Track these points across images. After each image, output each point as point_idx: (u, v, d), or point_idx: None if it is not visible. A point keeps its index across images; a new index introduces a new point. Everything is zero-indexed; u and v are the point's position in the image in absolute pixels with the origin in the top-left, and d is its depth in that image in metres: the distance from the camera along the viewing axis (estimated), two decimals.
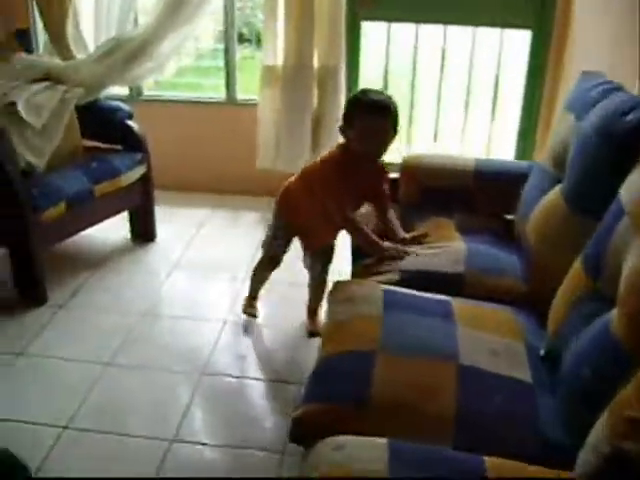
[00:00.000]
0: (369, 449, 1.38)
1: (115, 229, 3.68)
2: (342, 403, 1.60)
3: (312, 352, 2.28)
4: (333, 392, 1.64)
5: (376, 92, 2.49)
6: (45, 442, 2.23)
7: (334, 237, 2.73)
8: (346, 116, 2.44)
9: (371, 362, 1.67)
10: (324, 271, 2.76)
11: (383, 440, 1.40)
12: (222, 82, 4.24)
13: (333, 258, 2.77)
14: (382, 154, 2.47)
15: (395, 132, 2.43)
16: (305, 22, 3.68)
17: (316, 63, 3.81)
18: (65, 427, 2.30)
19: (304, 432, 1.58)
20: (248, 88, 4.39)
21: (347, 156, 2.46)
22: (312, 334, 2.79)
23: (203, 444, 2.24)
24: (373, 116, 2.36)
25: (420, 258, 2.29)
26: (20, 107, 3.05)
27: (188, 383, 2.54)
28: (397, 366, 1.67)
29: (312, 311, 2.87)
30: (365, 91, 2.48)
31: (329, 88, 3.85)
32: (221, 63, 4.26)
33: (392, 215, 2.58)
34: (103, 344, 2.77)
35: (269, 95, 3.91)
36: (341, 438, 1.44)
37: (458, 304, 1.98)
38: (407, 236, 2.49)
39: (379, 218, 2.58)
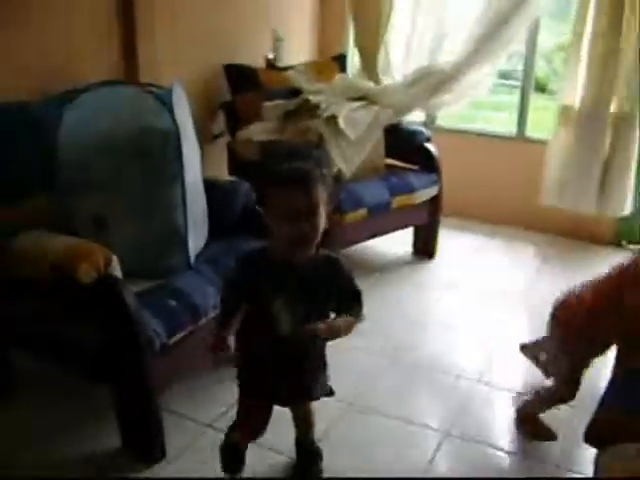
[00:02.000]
0: None
1: (399, 242, 3.96)
2: None
3: None
4: (632, 402, 1.70)
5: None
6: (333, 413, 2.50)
7: None
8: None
9: None
10: None
11: None
12: (506, 117, 4.39)
13: None
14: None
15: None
16: (609, 68, 3.72)
17: (612, 108, 3.82)
18: (351, 403, 2.56)
19: (600, 434, 1.66)
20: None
21: None
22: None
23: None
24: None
25: None
26: (340, 120, 3.42)
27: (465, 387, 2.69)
28: None
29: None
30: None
31: (623, 134, 3.85)
32: (507, 99, 4.41)
33: None
34: (378, 343, 3.01)
35: (562, 133, 3.98)
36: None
37: None
38: None
39: None
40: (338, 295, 1.76)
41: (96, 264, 2.02)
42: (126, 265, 2.14)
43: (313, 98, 3.54)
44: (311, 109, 3.51)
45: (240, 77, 3.73)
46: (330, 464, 2.21)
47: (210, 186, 2.60)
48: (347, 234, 3.36)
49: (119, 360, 2.12)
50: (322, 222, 1.65)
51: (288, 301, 1.70)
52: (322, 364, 1.92)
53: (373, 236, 3.60)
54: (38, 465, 2.22)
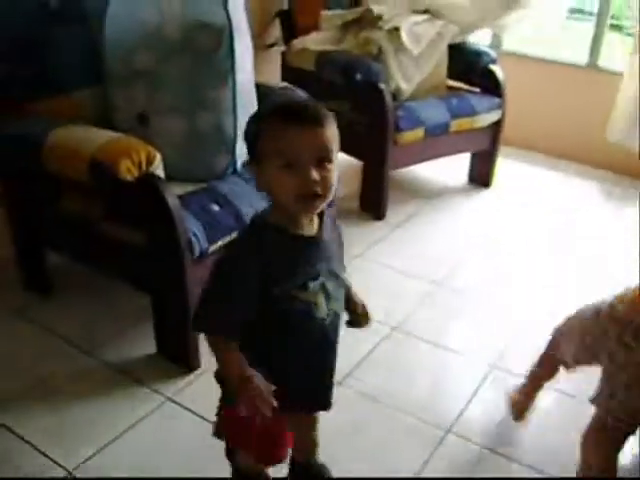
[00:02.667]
0: None
1: (455, 168, 3.79)
2: None
3: None
4: None
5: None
6: (372, 338, 2.41)
7: None
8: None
9: None
10: None
11: None
12: (577, 47, 4.11)
13: None
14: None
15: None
16: None
17: None
18: (394, 328, 2.46)
19: None
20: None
21: None
22: None
23: None
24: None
25: None
26: (403, 33, 3.21)
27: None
28: None
29: None
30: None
31: None
32: (580, 30, 4.13)
33: None
34: (431, 266, 2.90)
35: (637, 64, 3.70)
36: None
37: None
38: None
39: None
40: None
41: (138, 161, 1.92)
42: (169, 166, 2.04)
43: (376, 8, 3.32)
44: (372, 20, 3.31)
45: None
46: (367, 384, 2.16)
47: (262, 91, 2.46)
48: (402, 155, 3.20)
49: (158, 263, 2.03)
50: (336, 173, 1.25)
51: (322, 280, 1.33)
52: None
53: (429, 159, 3.42)
54: (71, 370, 2.19)
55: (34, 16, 2.19)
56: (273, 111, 1.23)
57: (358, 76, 3.03)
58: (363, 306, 1.54)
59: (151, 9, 2.17)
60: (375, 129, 3.10)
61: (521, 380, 2.06)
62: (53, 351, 2.25)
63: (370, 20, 3.32)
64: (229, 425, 1.47)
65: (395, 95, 3.22)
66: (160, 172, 1.98)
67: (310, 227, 1.31)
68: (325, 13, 3.45)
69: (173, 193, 1.96)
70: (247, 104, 2.30)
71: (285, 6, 3.57)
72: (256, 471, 1.59)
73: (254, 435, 1.41)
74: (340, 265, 1.41)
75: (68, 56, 2.27)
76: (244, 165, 2.29)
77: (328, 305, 1.34)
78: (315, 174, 1.20)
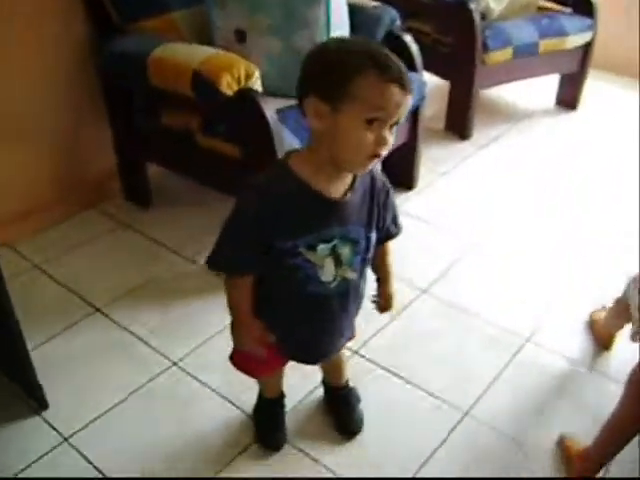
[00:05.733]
0: None
1: (542, 90, 3.76)
2: None
3: None
4: None
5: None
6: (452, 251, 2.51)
7: None
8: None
9: None
10: None
11: None
12: None
13: None
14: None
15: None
16: None
17: None
18: (475, 244, 2.54)
19: None
20: None
21: None
22: None
23: None
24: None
25: None
26: None
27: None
28: None
29: None
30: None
31: None
32: None
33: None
34: (517, 186, 2.95)
35: None
36: None
37: None
38: None
39: None
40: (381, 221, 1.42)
41: (237, 76, 2.01)
42: (267, 82, 2.12)
43: None
44: None
45: None
46: (445, 296, 2.23)
47: (354, 10, 2.49)
48: (490, 75, 3.20)
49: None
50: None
51: (335, 244, 1.33)
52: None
53: (517, 79, 3.39)
54: (174, 273, 2.37)
55: None
56: (372, 60, 1.14)
57: None
58: (389, 297, 1.57)
59: None
60: (463, 49, 3.09)
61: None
62: (156, 257, 2.43)
63: None
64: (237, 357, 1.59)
65: (484, 15, 3.19)
66: (258, 87, 2.07)
67: (337, 187, 1.28)
68: None
69: (271, 107, 2.05)
70: (340, 23, 2.35)
71: None
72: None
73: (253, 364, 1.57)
74: (370, 228, 1.37)
75: None
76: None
77: (337, 271, 1.35)
78: (389, 137, 1.19)
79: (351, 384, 1.86)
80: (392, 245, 1.53)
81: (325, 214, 1.29)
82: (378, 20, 2.54)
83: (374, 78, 1.13)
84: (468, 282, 2.35)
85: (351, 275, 1.39)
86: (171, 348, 2.04)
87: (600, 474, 1.64)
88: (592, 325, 2.15)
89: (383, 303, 1.59)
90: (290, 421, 1.80)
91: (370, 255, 1.42)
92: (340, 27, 2.34)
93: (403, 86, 1.15)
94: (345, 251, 1.34)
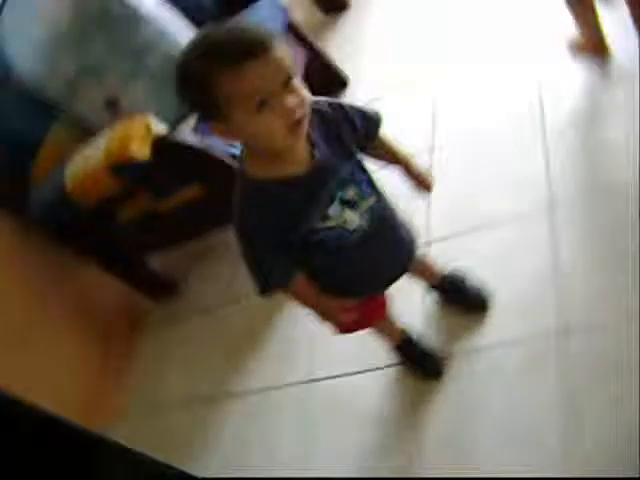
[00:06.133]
0: None
1: None
2: None
3: None
4: None
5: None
6: None
7: None
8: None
9: None
10: None
11: None
12: None
13: None
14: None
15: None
16: None
17: None
18: None
19: None
20: None
21: None
22: None
23: None
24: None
25: None
26: None
27: None
28: None
29: None
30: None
31: None
32: None
33: None
34: None
35: None
36: None
37: None
38: None
39: None
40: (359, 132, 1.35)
41: (140, 135, 1.96)
42: (161, 118, 2.06)
43: None
44: None
45: None
46: None
47: None
48: None
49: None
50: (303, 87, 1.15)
51: (339, 197, 1.29)
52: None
53: None
54: None
55: None
56: (210, 55, 1.08)
57: None
58: (419, 174, 1.52)
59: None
60: None
61: None
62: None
63: None
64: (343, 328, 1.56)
65: None
66: (162, 128, 2.01)
67: (300, 157, 1.23)
68: None
69: (187, 133, 2.02)
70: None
71: None
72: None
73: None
74: (352, 153, 1.32)
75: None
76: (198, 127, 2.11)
77: (359, 210, 1.32)
78: (292, 99, 1.10)
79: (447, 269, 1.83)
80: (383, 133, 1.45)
81: (310, 189, 1.24)
82: None
83: (224, 73, 1.06)
84: None
85: (370, 202, 1.35)
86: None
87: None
88: (578, 46, 2.05)
89: (418, 183, 1.54)
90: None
91: (368, 173, 1.37)
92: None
93: (257, 54, 1.05)
94: (351, 192, 1.30)
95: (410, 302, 1.87)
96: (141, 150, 1.95)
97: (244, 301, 2.34)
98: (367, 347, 1.83)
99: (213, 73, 1.07)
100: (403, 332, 1.76)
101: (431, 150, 2.23)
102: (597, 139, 1.92)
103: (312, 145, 1.24)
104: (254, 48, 1.06)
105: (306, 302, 1.41)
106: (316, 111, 1.25)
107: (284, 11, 2.44)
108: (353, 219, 1.32)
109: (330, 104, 1.32)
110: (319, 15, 3.14)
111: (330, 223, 1.29)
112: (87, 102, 2.22)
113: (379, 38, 2.86)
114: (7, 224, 2.32)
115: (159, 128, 2.01)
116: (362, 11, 3.04)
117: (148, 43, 2.18)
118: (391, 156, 1.50)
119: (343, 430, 1.82)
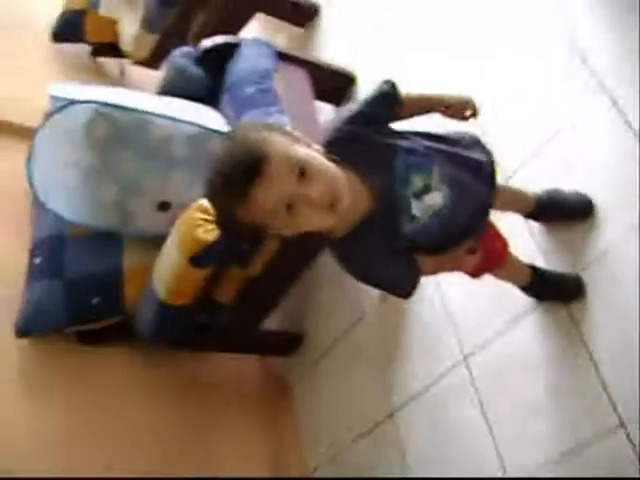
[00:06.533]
0: None
1: None
2: None
3: None
4: None
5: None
6: None
7: None
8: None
9: None
10: None
11: None
12: None
13: None
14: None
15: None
16: None
17: None
18: None
19: None
20: None
21: None
22: None
23: None
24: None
25: None
26: None
27: None
28: None
29: None
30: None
31: None
32: None
33: None
34: None
35: None
36: None
37: None
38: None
39: None
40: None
41: (201, 223, 2.00)
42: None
43: None
44: None
45: None
46: None
47: None
48: None
49: None
50: (322, 160, 1.15)
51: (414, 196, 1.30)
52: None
53: None
54: None
55: None
56: (220, 192, 1.11)
57: None
58: (454, 102, 1.46)
59: None
60: None
61: None
62: None
63: None
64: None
65: None
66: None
67: (357, 194, 1.22)
68: None
69: None
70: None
71: None
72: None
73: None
74: (403, 143, 1.32)
75: None
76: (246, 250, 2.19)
77: (435, 187, 1.31)
78: (314, 190, 1.10)
79: (536, 192, 1.78)
80: (404, 91, 1.41)
81: (385, 210, 1.25)
82: None
83: (237, 207, 1.09)
84: None
85: (436, 170, 1.32)
86: None
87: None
88: None
89: (462, 116, 1.48)
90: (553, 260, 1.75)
91: (416, 142, 1.34)
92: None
93: (259, 173, 1.06)
94: (416, 180, 1.29)
95: (520, 239, 1.83)
96: (209, 233, 1.99)
97: (367, 317, 2.34)
98: (502, 301, 1.80)
99: (233, 211, 1.10)
100: (529, 268, 1.73)
101: None
102: None
103: (358, 174, 1.23)
104: (253, 170, 1.06)
105: (435, 271, 1.42)
106: (338, 138, 1.26)
107: (268, 45, 2.45)
108: (436, 200, 1.31)
109: (351, 120, 1.31)
110: (298, 31, 3.13)
111: (421, 220, 1.29)
112: (141, 216, 2.26)
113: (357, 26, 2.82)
114: (124, 357, 2.42)
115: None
116: (333, 7, 3.02)
117: (164, 136, 2.20)
118: (425, 107, 1.47)
119: (522, 389, 1.79)
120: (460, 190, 1.35)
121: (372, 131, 1.30)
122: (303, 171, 1.10)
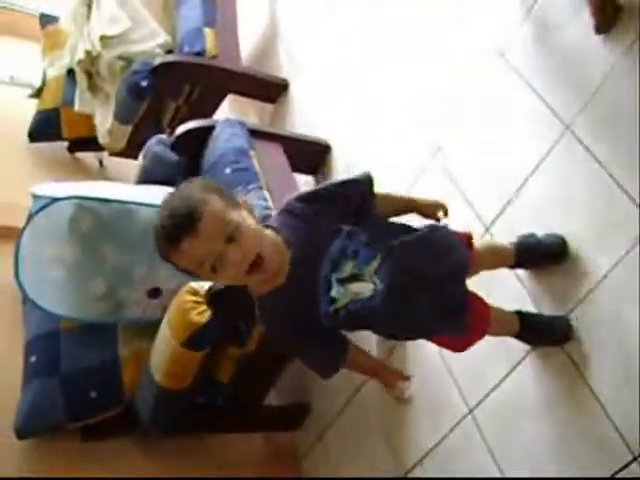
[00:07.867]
0: None
1: None
2: None
3: None
4: None
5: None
6: None
7: None
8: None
9: None
10: None
11: None
12: None
13: None
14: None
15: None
16: None
17: None
18: None
19: None
20: None
21: None
22: None
23: None
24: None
25: None
26: None
27: None
28: None
29: None
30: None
31: None
32: None
33: None
34: None
35: None
36: None
37: None
38: None
39: None
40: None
41: (192, 305, 2.02)
42: None
43: None
44: None
45: None
46: None
47: None
48: None
49: None
50: (253, 227, 1.27)
51: (335, 278, 1.35)
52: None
53: None
54: None
55: None
56: (160, 237, 1.24)
57: None
58: (428, 207, 1.52)
59: None
60: None
61: None
62: None
63: None
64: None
65: None
66: (205, 284, 2.06)
67: (283, 265, 1.32)
68: None
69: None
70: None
71: None
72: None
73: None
74: (340, 226, 1.36)
75: None
76: None
77: (366, 278, 1.33)
78: (236, 253, 1.21)
79: (512, 241, 1.79)
80: (381, 189, 1.47)
81: (295, 290, 1.34)
82: None
83: (171, 253, 1.23)
84: None
85: (375, 264, 1.34)
86: None
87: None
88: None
89: (428, 213, 1.52)
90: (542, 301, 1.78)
91: (367, 234, 1.37)
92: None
93: (189, 229, 1.19)
94: (347, 268, 1.34)
95: (508, 285, 1.86)
96: (202, 315, 1.99)
97: (369, 381, 2.33)
98: (497, 352, 1.80)
99: (167, 254, 1.24)
100: (515, 314, 1.73)
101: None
102: None
103: (288, 246, 1.33)
104: (187, 227, 1.19)
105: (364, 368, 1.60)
106: (286, 212, 1.36)
107: (241, 124, 2.51)
108: (362, 289, 1.34)
109: (302, 198, 1.38)
110: (269, 107, 3.20)
111: (342, 302, 1.33)
112: (133, 305, 2.26)
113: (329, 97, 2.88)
114: (127, 446, 2.40)
115: (203, 286, 2.05)
116: (301, 80, 3.09)
117: (148, 223, 2.23)
118: (398, 208, 1.52)
119: (526, 432, 1.79)
120: (399, 294, 1.34)
121: (336, 211, 1.37)
122: (231, 235, 1.21)
